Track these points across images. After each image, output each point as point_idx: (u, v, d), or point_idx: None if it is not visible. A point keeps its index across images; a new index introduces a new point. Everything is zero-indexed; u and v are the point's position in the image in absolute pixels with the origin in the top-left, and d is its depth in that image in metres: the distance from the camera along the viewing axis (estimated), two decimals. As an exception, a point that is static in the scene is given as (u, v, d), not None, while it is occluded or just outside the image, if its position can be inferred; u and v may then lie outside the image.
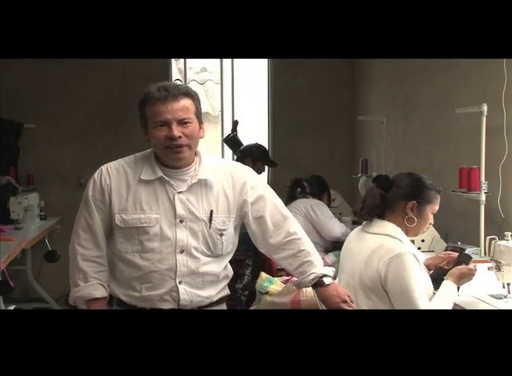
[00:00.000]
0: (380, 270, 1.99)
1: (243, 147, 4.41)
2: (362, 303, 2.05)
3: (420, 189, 2.10)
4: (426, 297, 2.00)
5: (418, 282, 1.98)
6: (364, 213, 2.14)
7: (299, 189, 3.88)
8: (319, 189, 3.95)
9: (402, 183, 2.12)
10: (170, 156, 1.83)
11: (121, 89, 4.93)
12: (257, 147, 4.38)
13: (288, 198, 3.84)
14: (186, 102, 1.83)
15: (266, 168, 4.94)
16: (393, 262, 1.97)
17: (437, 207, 2.15)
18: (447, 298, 2.05)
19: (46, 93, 4.90)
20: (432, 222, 2.18)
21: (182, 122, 1.81)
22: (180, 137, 1.80)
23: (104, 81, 4.96)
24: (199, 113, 1.87)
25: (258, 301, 2.61)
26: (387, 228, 2.08)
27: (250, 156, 4.23)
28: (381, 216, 2.11)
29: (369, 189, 2.17)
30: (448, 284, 2.09)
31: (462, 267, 2.14)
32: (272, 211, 1.96)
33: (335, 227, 3.70)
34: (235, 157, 4.75)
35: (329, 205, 3.98)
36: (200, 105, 1.89)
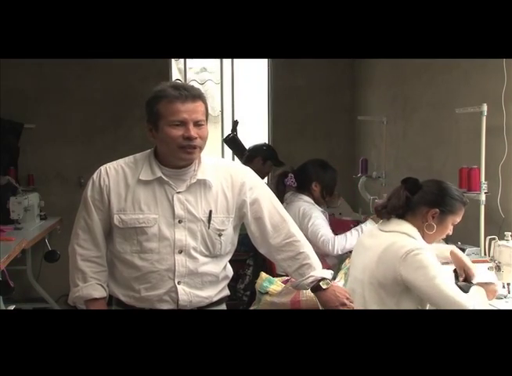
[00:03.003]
0: (397, 267, 1.98)
1: (252, 146, 4.40)
2: (370, 298, 2.06)
3: (445, 198, 2.10)
4: (453, 283, 2.00)
5: (439, 269, 1.98)
6: (385, 211, 2.15)
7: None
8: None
9: (429, 189, 2.12)
10: (181, 155, 1.83)
11: (121, 89, 4.93)
12: (267, 146, 4.41)
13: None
14: (201, 104, 1.84)
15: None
16: (410, 255, 1.97)
17: (459, 219, 2.14)
18: (482, 296, 2.05)
19: (46, 93, 4.90)
20: (451, 233, 2.18)
21: (198, 124, 1.82)
22: (195, 138, 1.81)
23: (104, 81, 4.96)
24: (207, 117, 1.88)
25: (258, 301, 2.61)
26: (404, 226, 2.09)
27: (261, 155, 4.23)
28: (401, 217, 2.12)
29: (396, 190, 2.17)
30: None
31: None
32: (270, 213, 1.96)
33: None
34: (235, 157, 4.76)
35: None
36: (208, 109, 1.89)
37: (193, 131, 1.80)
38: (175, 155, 1.83)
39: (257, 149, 4.33)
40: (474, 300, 1.98)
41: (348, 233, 3.13)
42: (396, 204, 2.11)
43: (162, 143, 1.84)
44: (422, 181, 2.18)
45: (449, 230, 2.15)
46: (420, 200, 2.10)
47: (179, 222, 1.84)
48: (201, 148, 1.85)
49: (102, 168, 1.90)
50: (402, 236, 2.06)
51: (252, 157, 4.20)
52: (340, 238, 3.12)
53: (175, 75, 5.32)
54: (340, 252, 3.11)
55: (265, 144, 4.46)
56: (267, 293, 2.54)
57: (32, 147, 4.84)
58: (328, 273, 1.99)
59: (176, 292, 1.85)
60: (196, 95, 1.82)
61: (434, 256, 2.03)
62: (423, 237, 2.09)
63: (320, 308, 2.05)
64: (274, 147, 5.15)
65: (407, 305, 2.03)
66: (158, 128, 1.83)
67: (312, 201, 3.30)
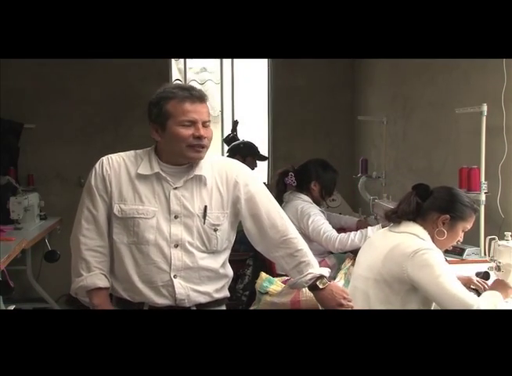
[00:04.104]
0: (404, 265, 1.99)
1: (230, 147, 4.45)
2: (374, 295, 2.07)
3: (456, 204, 2.11)
4: (458, 282, 2.00)
5: (445, 269, 1.99)
6: (395, 216, 2.16)
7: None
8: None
9: (439, 195, 2.13)
10: (190, 154, 1.86)
11: (121, 89, 4.93)
12: (244, 144, 4.44)
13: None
14: (207, 106, 1.89)
15: (266, 168, 4.95)
16: (417, 254, 1.99)
17: (469, 226, 2.15)
18: (492, 297, 2.04)
19: (46, 93, 4.90)
20: (461, 240, 2.18)
21: (205, 125, 1.87)
22: (205, 138, 1.85)
23: (104, 81, 4.96)
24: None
25: (258, 301, 2.62)
26: (414, 228, 2.10)
27: (239, 153, 4.26)
28: (411, 221, 2.13)
29: (406, 195, 2.18)
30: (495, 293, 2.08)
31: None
32: (267, 209, 1.97)
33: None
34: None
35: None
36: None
37: (203, 131, 1.84)
38: (184, 154, 1.86)
39: (235, 148, 4.39)
40: (480, 299, 1.98)
41: (352, 234, 3.11)
42: (406, 209, 2.13)
43: (169, 142, 1.87)
44: (433, 187, 2.18)
45: (460, 237, 2.16)
46: (430, 206, 2.11)
47: (175, 217, 1.87)
48: (208, 148, 1.89)
49: (104, 158, 1.93)
50: (410, 236, 2.08)
51: (231, 157, 4.21)
52: (343, 237, 3.10)
53: (175, 75, 5.32)
54: (339, 251, 3.12)
55: (242, 141, 4.50)
56: (267, 293, 2.55)
57: (32, 147, 4.84)
58: (326, 271, 2.00)
59: (173, 286, 1.86)
60: (203, 97, 1.87)
61: (441, 256, 2.04)
62: (434, 243, 2.09)
63: (320, 308, 2.05)
64: (274, 147, 5.15)
65: (412, 303, 2.04)
66: (166, 127, 1.86)
67: (311, 201, 3.31)
